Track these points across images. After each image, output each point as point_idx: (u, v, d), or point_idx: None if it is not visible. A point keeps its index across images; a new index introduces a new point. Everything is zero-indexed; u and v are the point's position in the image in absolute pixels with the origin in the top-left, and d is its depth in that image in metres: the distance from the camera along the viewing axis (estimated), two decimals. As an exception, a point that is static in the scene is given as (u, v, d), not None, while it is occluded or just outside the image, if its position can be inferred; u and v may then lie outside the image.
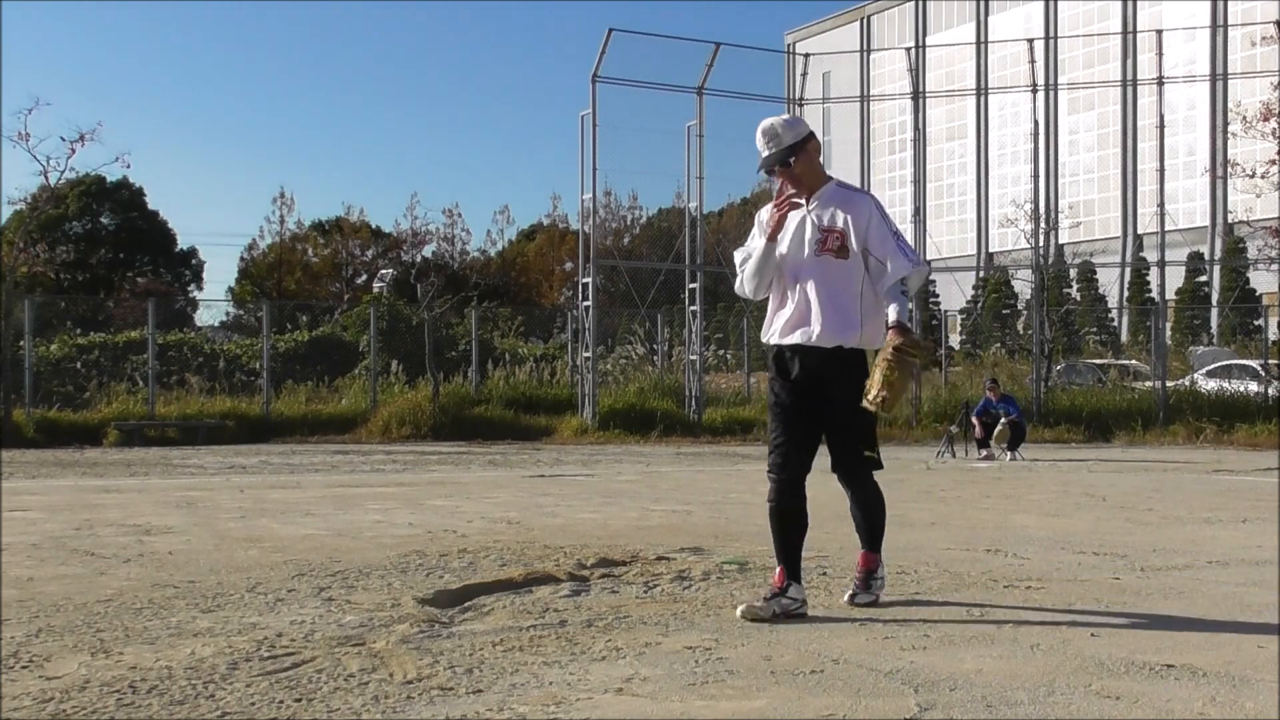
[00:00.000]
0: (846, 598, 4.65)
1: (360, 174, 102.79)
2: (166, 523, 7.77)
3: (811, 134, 4.58)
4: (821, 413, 4.48)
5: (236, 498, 9.77)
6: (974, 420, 17.26)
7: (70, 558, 6.09)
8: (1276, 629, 4.21)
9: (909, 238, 29.34)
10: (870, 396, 4.28)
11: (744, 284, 4.67)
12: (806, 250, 4.48)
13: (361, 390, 24.66)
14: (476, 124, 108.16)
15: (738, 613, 4.38)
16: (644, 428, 21.87)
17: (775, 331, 4.58)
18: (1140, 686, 3.39)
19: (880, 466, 4.59)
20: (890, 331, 4.37)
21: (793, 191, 4.55)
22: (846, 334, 4.45)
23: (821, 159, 4.69)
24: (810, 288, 4.46)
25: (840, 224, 4.46)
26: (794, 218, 4.54)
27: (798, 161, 4.50)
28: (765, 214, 4.64)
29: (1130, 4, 56.01)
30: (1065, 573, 5.58)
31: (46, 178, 23.21)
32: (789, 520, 4.51)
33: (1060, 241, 42.19)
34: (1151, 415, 22.16)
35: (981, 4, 61.99)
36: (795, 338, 4.50)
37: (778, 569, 4.48)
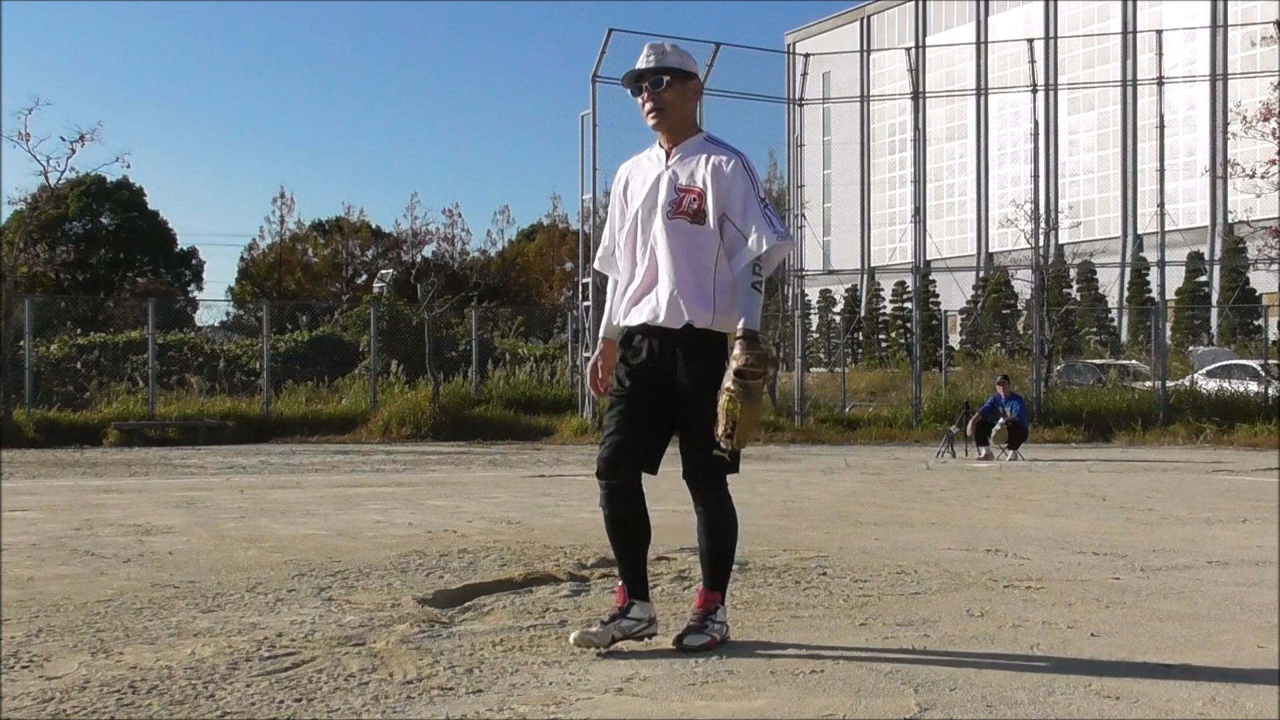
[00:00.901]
0: (674, 639, 3.90)
1: (360, 174, 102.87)
2: (166, 523, 7.77)
3: (698, 76, 3.97)
4: (668, 406, 3.86)
5: (236, 498, 9.77)
6: (974, 417, 17.21)
7: (70, 558, 6.09)
8: (1277, 629, 4.21)
9: (908, 238, 29.41)
10: (718, 434, 3.72)
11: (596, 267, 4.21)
12: (659, 212, 3.85)
13: (361, 390, 24.66)
14: (476, 124, 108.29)
15: (570, 639, 3.84)
16: (644, 428, 21.81)
17: (620, 309, 3.98)
18: (1140, 686, 3.39)
19: (733, 468, 3.93)
20: (736, 345, 3.72)
21: (603, 380, 4.03)
22: (698, 311, 3.80)
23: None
24: (659, 256, 3.84)
25: (700, 183, 3.82)
26: (650, 172, 3.92)
27: (671, 87, 3.85)
28: (618, 188, 4.06)
29: (1130, 4, 56.03)
30: (1065, 573, 5.58)
31: (46, 178, 23.23)
32: (626, 529, 3.92)
33: (1060, 241, 42.22)
34: (1151, 415, 22.16)
35: (981, 4, 62.02)
36: (641, 315, 3.87)
37: (618, 586, 3.97)
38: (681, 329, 3.80)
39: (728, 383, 3.67)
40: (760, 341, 3.72)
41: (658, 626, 3.94)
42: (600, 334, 4.11)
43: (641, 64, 3.88)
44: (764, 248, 3.73)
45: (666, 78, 3.84)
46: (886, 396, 27.84)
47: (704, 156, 3.85)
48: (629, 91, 3.93)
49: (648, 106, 3.87)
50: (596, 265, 4.15)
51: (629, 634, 3.84)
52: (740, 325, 3.73)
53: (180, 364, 26.19)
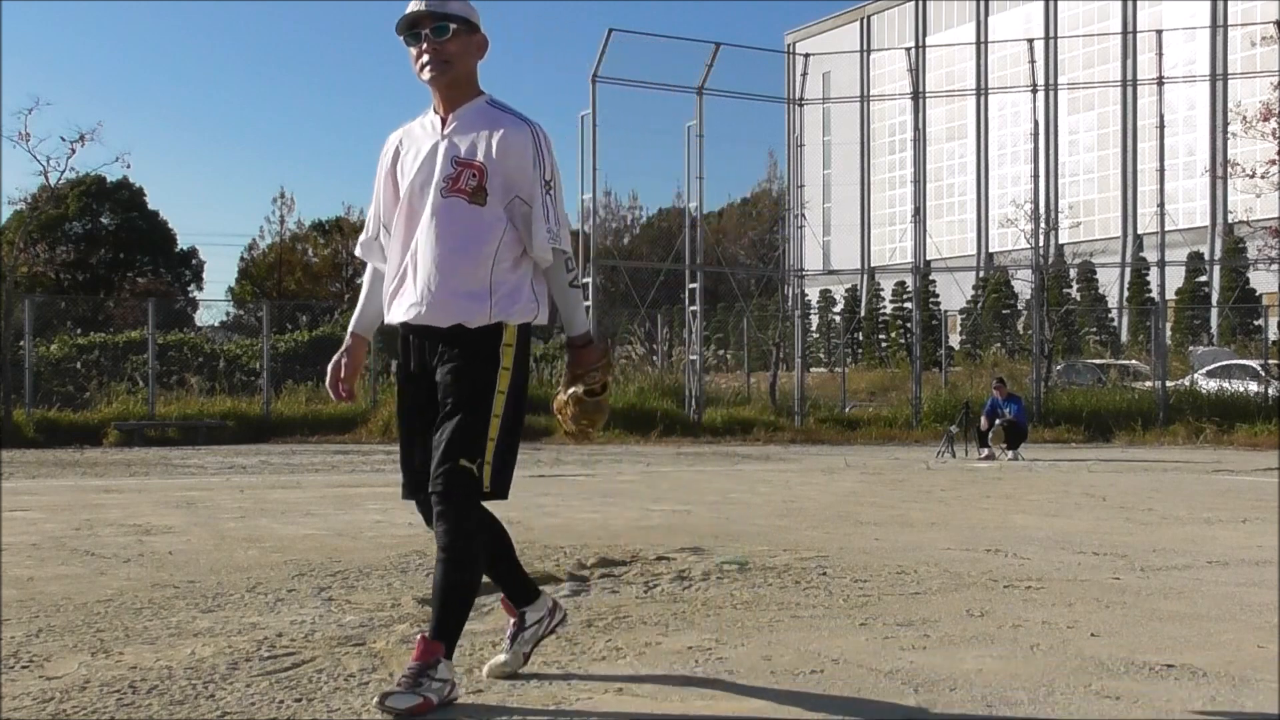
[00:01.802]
0: (376, 700, 3.13)
1: (360, 174, 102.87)
2: (166, 523, 7.77)
3: (483, 31, 3.32)
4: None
5: (236, 498, 9.77)
6: (984, 418, 17.20)
7: (70, 558, 6.09)
8: (1277, 629, 4.21)
9: (908, 238, 29.42)
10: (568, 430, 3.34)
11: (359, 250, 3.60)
12: (433, 189, 3.24)
13: (361, 390, 24.65)
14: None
15: (484, 672, 3.47)
16: (644, 428, 21.87)
17: (385, 302, 3.37)
18: (1140, 686, 3.39)
19: (487, 492, 3.20)
20: (570, 356, 3.28)
21: (345, 381, 3.46)
22: (470, 307, 3.21)
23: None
24: (428, 241, 3.24)
25: (481, 156, 3.22)
26: (425, 142, 3.31)
27: (456, 37, 3.23)
28: (385, 160, 3.42)
29: (1130, 4, 56.02)
30: (1065, 573, 5.58)
31: (46, 178, 23.27)
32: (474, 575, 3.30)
33: (1060, 241, 42.20)
34: (1151, 415, 22.17)
35: (981, 4, 62.00)
36: (405, 311, 3.28)
37: (503, 602, 3.56)
38: (450, 329, 3.23)
39: (584, 411, 3.29)
40: (594, 343, 3.24)
41: (562, 611, 3.61)
42: (350, 327, 3.51)
43: (418, 7, 3.24)
44: (550, 241, 3.23)
45: (453, 25, 3.23)
46: (886, 396, 27.85)
47: (489, 125, 3.25)
48: (402, 40, 3.29)
49: (426, 59, 3.24)
50: (358, 252, 3.55)
51: (537, 638, 3.51)
52: (575, 330, 3.27)
53: (180, 364, 26.19)
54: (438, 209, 3.23)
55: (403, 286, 3.30)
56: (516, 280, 3.26)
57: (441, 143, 3.27)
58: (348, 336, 3.49)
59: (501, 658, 3.50)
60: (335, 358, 3.47)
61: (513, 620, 3.50)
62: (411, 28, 3.24)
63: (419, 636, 3.24)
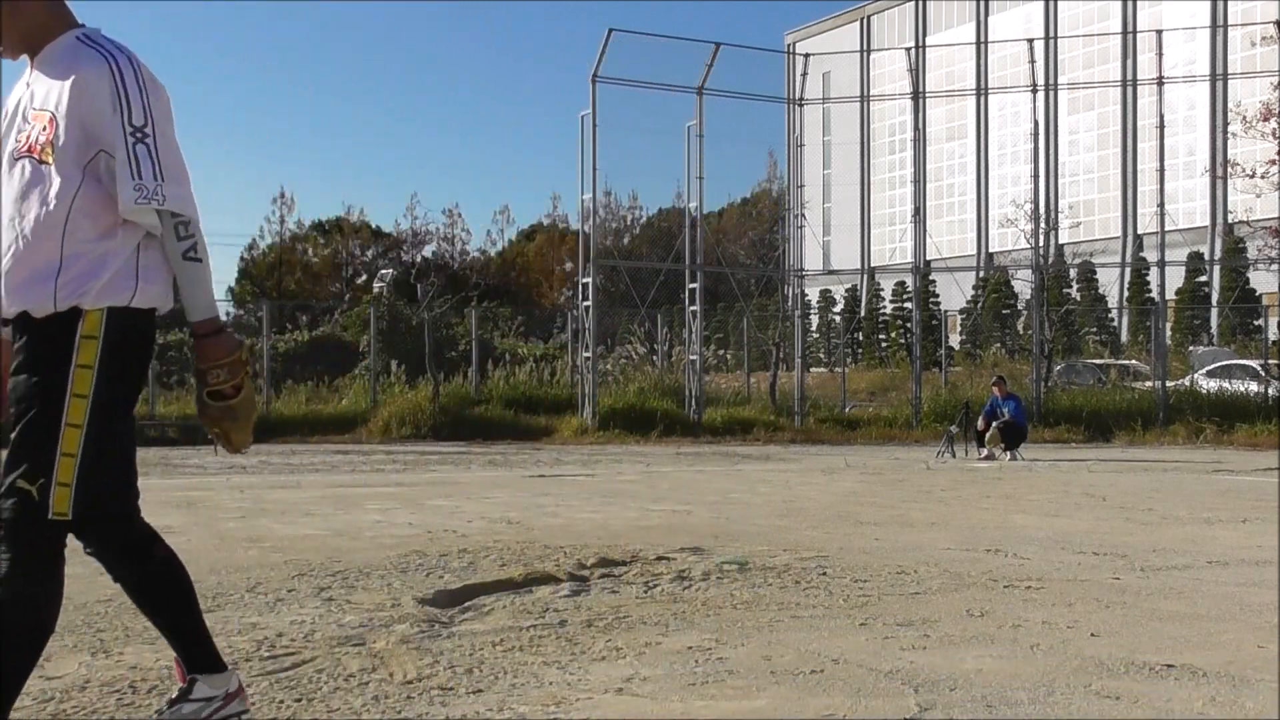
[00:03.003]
0: None
1: (360, 174, 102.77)
2: (166, 523, 7.76)
3: None
4: None
5: (236, 498, 9.77)
6: (982, 419, 17.20)
7: (70, 558, 6.05)
8: (1277, 629, 4.21)
9: (908, 238, 29.42)
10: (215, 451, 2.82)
11: None
12: (7, 152, 2.70)
13: (362, 390, 24.68)
14: (476, 124, 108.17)
15: None
16: (644, 428, 21.88)
17: None
18: (1140, 686, 3.39)
19: (59, 519, 2.67)
20: (194, 348, 2.67)
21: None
22: (33, 292, 2.60)
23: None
24: (5, 216, 2.67)
25: (53, 104, 2.61)
26: (13, 94, 2.76)
27: None
28: None
29: (1130, 4, 56.03)
30: (1065, 573, 5.58)
31: (46, 178, 23.20)
32: (144, 594, 2.96)
33: (1060, 241, 42.22)
34: (1151, 415, 22.17)
35: (981, 4, 62.01)
36: None
37: (174, 659, 2.92)
38: (18, 318, 2.65)
39: (210, 419, 2.72)
40: (225, 332, 2.69)
41: (245, 701, 2.92)
42: None
43: None
44: (151, 200, 2.57)
45: None
46: (886, 396, 27.86)
47: (67, 66, 2.63)
48: None
49: None
50: None
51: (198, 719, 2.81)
52: (189, 317, 2.67)
53: (180, 364, 26.20)
54: (11, 174, 2.67)
55: None
56: (103, 253, 2.62)
57: (25, 94, 2.71)
58: None
59: None
60: None
61: (179, 685, 2.88)
62: None
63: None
